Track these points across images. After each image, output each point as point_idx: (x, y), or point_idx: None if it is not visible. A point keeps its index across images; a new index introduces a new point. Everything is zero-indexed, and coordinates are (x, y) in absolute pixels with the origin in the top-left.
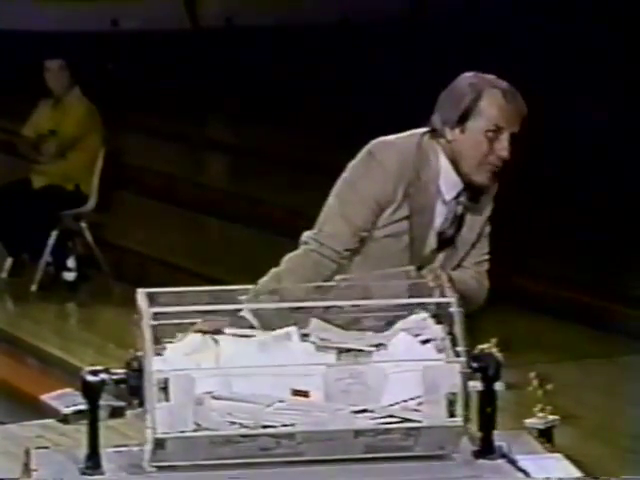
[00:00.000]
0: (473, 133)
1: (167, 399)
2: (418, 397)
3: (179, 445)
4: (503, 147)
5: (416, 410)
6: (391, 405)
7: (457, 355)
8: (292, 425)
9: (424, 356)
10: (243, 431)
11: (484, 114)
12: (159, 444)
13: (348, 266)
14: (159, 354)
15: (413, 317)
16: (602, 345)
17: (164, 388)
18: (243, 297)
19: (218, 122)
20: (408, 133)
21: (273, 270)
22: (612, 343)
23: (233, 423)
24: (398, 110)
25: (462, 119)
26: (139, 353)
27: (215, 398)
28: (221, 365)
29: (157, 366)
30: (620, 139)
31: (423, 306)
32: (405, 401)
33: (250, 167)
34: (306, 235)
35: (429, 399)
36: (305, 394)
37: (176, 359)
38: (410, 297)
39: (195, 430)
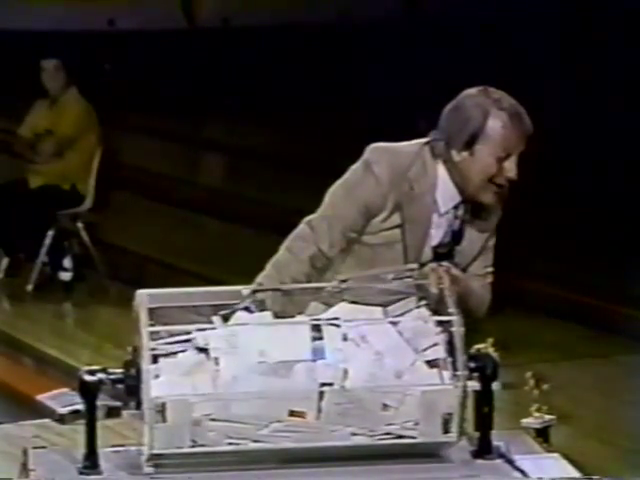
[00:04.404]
0: (481, 156)
1: (164, 420)
2: (416, 419)
3: (176, 459)
4: (511, 169)
5: (411, 428)
6: (389, 425)
7: (456, 376)
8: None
9: (427, 381)
10: (239, 448)
11: (491, 139)
12: (156, 456)
13: (340, 271)
14: (156, 361)
15: (414, 317)
16: (599, 345)
17: (161, 410)
18: (245, 291)
19: (216, 122)
20: (410, 142)
21: (272, 259)
22: (609, 343)
23: (230, 444)
24: (397, 110)
25: (469, 143)
26: (136, 354)
27: (213, 420)
28: (219, 388)
29: (155, 391)
30: (620, 139)
31: (423, 300)
32: (404, 422)
33: (248, 167)
34: (301, 229)
35: (425, 418)
36: (302, 415)
37: (173, 380)
38: (410, 295)
39: (192, 447)
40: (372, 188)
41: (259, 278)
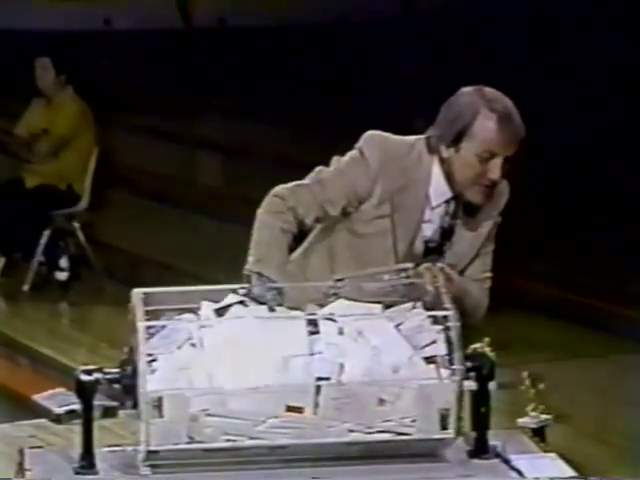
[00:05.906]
0: (466, 154)
1: (161, 415)
2: (413, 415)
3: (172, 455)
4: (494, 170)
5: (408, 425)
6: (385, 421)
7: (453, 371)
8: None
9: (423, 376)
10: (236, 444)
11: (477, 138)
12: (152, 453)
13: (337, 265)
14: (152, 361)
15: (411, 318)
16: (595, 344)
17: (158, 406)
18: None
19: (212, 121)
20: (409, 137)
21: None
22: (605, 342)
23: (227, 440)
24: (396, 110)
25: (456, 139)
26: (132, 354)
27: (209, 415)
28: (216, 382)
29: (151, 385)
30: (620, 139)
31: (419, 300)
32: (402, 418)
33: (244, 167)
34: (278, 189)
35: (422, 414)
36: (299, 410)
37: (169, 375)
38: (406, 295)
39: (188, 443)
40: (361, 170)
41: (252, 248)
